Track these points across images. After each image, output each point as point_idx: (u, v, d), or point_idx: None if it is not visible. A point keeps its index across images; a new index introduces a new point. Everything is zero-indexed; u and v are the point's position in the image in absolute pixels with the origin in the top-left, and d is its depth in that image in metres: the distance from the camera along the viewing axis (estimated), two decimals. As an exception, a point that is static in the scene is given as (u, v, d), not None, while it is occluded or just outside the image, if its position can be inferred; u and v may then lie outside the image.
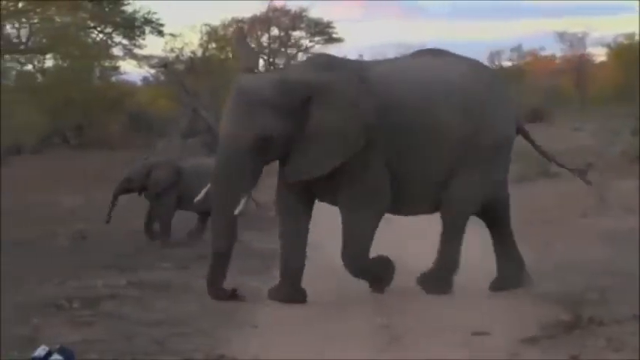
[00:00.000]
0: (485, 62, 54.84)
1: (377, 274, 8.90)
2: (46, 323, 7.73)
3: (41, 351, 3.41)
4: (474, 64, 9.16)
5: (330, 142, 8.32)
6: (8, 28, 25.16)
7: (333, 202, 8.79)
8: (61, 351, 3.43)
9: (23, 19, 24.51)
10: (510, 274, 9.01)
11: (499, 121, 8.88)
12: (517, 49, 56.17)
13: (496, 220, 9.22)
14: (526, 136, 9.30)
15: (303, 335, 7.41)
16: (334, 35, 56.99)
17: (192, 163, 12.39)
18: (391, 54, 56.85)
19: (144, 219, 12.61)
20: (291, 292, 8.59)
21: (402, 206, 8.93)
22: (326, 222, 9.09)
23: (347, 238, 8.62)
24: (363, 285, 9.00)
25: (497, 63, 57.51)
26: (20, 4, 22.98)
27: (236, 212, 8.28)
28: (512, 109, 9.23)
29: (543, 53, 50.22)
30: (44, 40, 24.61)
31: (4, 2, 21.69)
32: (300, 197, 8.77)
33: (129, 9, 35.13)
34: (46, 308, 8.27)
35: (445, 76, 8.82)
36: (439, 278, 8.88)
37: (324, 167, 8.36)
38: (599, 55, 49.50)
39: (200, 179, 10.95)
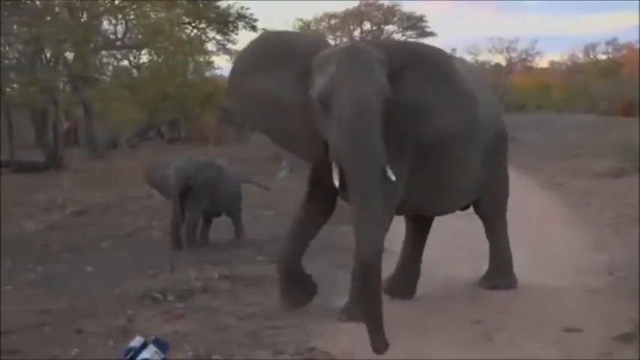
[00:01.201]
0: (580, 55, 54.10)
1: None
2: (141, 315, 7.88)
3: (136, 342, 3.48)
4: (463, 61, 9.13)
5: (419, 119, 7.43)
6: (105, 25, 25.66)
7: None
8: (156, 342, 3.50)
9: (120, 16, 24.93)
10: (502, 272, 9.01)
11: (502, 116, 9.17)
12: (612, 42, 55.39)
13: (495, 215, 9.20)
14: None
15: (394, 330, 7.37)
16: (427, 29, 56.98)
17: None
18: (484, 49, 56.80)
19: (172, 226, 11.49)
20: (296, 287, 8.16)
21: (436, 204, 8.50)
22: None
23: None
24: (456, 281, 8.96)
25: (592, 56, 56.80)
26: (117, 1, 23.34)
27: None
28: None
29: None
30: (140, 36, 25.02)
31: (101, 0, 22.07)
32: (327, 192, 7.71)
33: (223, 5, 35.49)
34: (141, 300, 8.42)
35: (475, 76, 8.86)
36: (504, 275, 8.98)
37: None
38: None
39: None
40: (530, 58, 58.38)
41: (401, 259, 8.81)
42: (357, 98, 6.86)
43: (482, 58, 57.30)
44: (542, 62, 59.51)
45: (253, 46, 7.75)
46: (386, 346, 6.56)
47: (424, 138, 7.46)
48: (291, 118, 7.32)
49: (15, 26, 20.10)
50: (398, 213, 8.03)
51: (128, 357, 3.48)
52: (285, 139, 7.62)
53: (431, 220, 8.91)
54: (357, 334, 7.19)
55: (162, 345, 3.53)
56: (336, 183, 6.94)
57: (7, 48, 21.64)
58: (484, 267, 9.07)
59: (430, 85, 7.41)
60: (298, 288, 8.08)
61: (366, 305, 6.81)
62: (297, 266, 8.01)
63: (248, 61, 7.71)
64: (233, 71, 7.68)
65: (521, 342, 6.93)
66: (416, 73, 7.40)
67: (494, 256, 9.09)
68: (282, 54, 7.50)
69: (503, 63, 57.12)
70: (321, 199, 7.86)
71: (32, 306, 8.42)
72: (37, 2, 21.39)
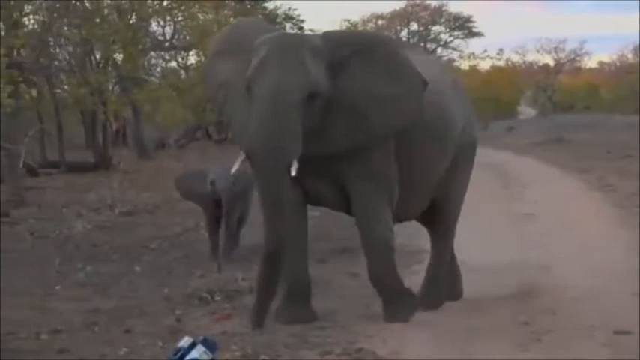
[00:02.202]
0: (630, 56, 53.66)
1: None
2: (189, 315, 7.92)
3: (185, 342, 3.51)
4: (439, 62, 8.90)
5: (370, 110, 7.23)
6: (154, 26, 25.79)
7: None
8: (204, 342, 3.52)
9: (168, 18, 25.07)
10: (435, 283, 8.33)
11: (474, 119, 8.74)
12: (663, 42, 54.62)
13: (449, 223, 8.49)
14: None
15: (442, 331, 7.36)
16: (474, 30, 56.78)
17: None
18: (532, 49, 56.43)
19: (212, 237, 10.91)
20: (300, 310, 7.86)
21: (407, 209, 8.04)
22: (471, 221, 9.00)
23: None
24: (505, 282, 8.91)
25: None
26: (165, 3, 23.45)
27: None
28: None
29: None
30: (188, 38, 25.10)
31: (149, 1, 22.21)
32: (299, 196, 7.59)
33: (270, 5, 35.60)
34: (189, 300, 8.47)
35: (439, 69, 8.60)
36: (436, 287, 8.30)
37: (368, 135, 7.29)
38: None
39: None
40: (578, 59, 57.78)
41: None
42: (273, 87, 6.85)
43: (530, 58, 56.86)
44: (590, 62, 58.91)
45: (223, 32, 7.76)
46: (259, 325, 7.07)
47: (377, 129, 7.27)
48: (238, 105, 7.32)
49: (65, 28, 20.28)
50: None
51: (177, 357, 3.51)
52: (237, 131, 7.57)
53: (442, 223, 8.42)
54: (404, 334, 7.19)
55: (210, 345, 3.56)
56: (234, 169, 7.29)
57: (57, 50, 21.84)
58: (528, 267, 9.00)
59: (379, 74, 7.29)
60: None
61: (257, 290, 7.28)
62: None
63: (215, 47, 7.82)
64: (207, 57, 7.70)
65: (570, 344, 6.86)
66: (363, 62, 7.29)
67: (431, 267, 8.39)
68: (241, 40, 7.47)
69: (552, 63, 56.62)
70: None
71: (82, 305, 8.51)
72: (87, 4, 21.56)
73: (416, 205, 8.11)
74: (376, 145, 7.34)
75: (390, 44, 7.81)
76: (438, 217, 8.36)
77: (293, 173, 6.82)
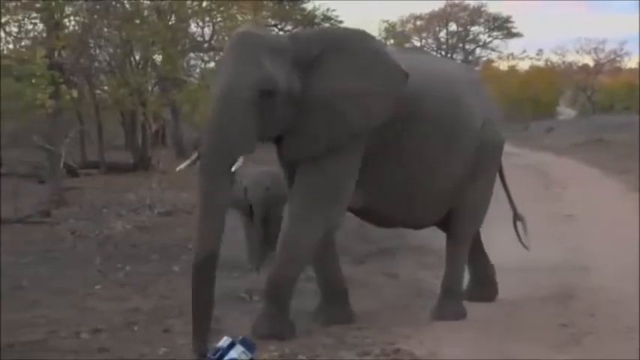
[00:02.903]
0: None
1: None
2: (228, 315, 7.94)
3: (224, 342, 3.51)
4: (462, 64, 8.66)
5: (346, 107, 7.09)
6: (193, 27, 25.90)
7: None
8: (243, 342, 3.52)
9: (207, 19, 25.17)
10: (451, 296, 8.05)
11: (498, 123, 8.27)
12: None
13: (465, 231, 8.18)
14: None
15: (480, 332, 7.34)
16: (513, 30, 56.66)
17: None
18: (572, 49, 56.15)
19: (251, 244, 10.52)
20: (337, 311, 7.79)
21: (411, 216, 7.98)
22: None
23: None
24: (544, 283, 8.87)
25: (685, 56, 55.58)
26: (204, 4, 23.55)
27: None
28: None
29: None
30: (226, 39, 25.15)
31: (188, 2, 22.32)
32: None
33: (309, 6, 35.66)
34: (228, 300, 8.48)
35: (457, 72, 8.24)
36: (455, 297, 8.06)
37: (333, 140, 7.08)
38: None
39: None
40: (618, 59, 57.41)
41: (468, 266, 8.44)
42: (224, 85, 6.80)
43: (569, 58, 56.57)
44: (630, 63, 58.47)
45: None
46: (201, 351, 6.05)
47: (355, 126, 7.09)
48: None
49: (105, 29, 20.44)
50: (373, 223, 8.00)
51: (216, 357, 3.51)
52: None
53: (455, 234, 8.11)
54: (441, 335, 7.17)
55: (249, 345, 3.56)
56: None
57: (97, 51, 22.02)
58: (568, 269, 8.94)
59: (352, 69, 7.15)
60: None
61: (193, 305, 6.65)
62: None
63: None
64: None
65: (610, 346, 6.82)
66: (335, 59, 7.14)
67: (446, 277, 8.12)
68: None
69: (591, 64, 56.28)
70: None
71: (121, 305, 8.56)
72: (127, 5, 21.70)
73: (427, 208, 7.93)
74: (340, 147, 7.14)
75: (361, 38, 7.54)
76: (452, 228, 8.10)
77: (232, 169, 6.74)
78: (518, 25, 56.62)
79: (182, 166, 7.21)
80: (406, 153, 7.46)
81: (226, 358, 3.42)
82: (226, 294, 8.66)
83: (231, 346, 3.48)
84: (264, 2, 28.74)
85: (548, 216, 12.51)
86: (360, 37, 7.46)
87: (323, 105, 7.03)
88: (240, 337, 3.50)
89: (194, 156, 7.05)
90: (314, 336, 7.22)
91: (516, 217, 8.64)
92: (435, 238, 10.15)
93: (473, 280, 8.63)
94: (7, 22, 19.10)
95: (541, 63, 54.88)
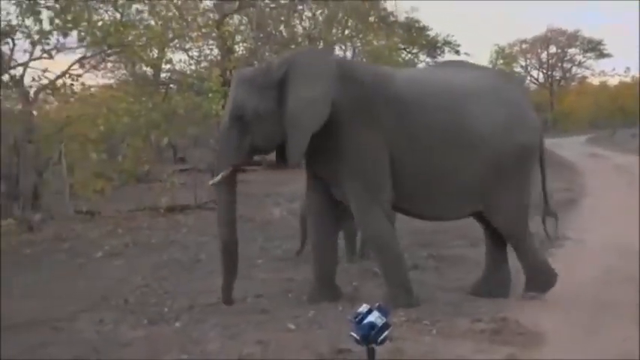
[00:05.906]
0: None
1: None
2: (365, 286, 7.98)
3: (363, 308, 3.54)
4: (499, 72, 8.01)
5: (298, 114, 6.92)
6: (337, 50, 26.14)
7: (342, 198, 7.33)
8: (379, 309, 3.53)
9: (349, 43, 25.37)
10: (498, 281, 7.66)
11: (528, 130, 7.30)
12: None
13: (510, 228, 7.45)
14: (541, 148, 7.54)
15: (573, 305, 7.14)
16: (604, 51, 55.28)
17: None
18: (657, 69, 54.00)
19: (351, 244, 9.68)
20: (326, 292, 7.52)
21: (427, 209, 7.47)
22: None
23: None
24: (629, 266, 8.57)
25: None
26: (347, 32, 23.78)
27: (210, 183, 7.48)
28: (536, 119, 7.63)
29: None
30: (364, 60, 25.33)
31: (334, 30, 22.53)
32: (323, 196, 7.50)
33: (432, 33, 35.51)
34: (364, 274, 8.51)
35: (476, 82, 7.32)
36: (539, 272, 7.49)
37: (298, 145, 6.97)
38: None
39: None
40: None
41: (485, 264, 7.85)
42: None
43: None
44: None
45: None
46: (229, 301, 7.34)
47: (307, 128, 6.86)
48: None
49: (267, 53, 20.77)
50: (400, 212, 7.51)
51: (357, 319, 3.54)
52: None
53: (498, 233, 7.54)
54: (541, 307, 7.03)
55: (384, 311, 3.57)
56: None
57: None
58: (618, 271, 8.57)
59: (303, 81, 6.95)
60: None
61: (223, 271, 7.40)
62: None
63: None
64: None
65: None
66: (295, 75, 6.99)
67: (525, 268, 7.55)
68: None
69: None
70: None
71: (279, 275, 8.70)
72: (284, 34, 22.03)
73: (444, 204, 7.35)
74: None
75: (312, 54, 7.56)
76: (502, 228, 7.45)
77: (210, 182, 7.51)
78: (609, 47, 55.23)
79: (216, 179, 7.28)
80: (407, 154, 7.07)
81: (366, 320, 3.44)
82: (364, 269, 8.70)
83: (369, 312, 3.49)
84: (395, 30, 28.75)
85: (628, 209, 12.10)
86: (311, 53, 7.98)
87: (289, 114, 6.93)
88: (377, 304, 3.52)
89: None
90: (435, 304, 7.20)
91: (547, 212, 7.74)
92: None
93: (485, 271, 7.87)
94: (190, 48, 19.77)
95: (628, 79, 53.46)
